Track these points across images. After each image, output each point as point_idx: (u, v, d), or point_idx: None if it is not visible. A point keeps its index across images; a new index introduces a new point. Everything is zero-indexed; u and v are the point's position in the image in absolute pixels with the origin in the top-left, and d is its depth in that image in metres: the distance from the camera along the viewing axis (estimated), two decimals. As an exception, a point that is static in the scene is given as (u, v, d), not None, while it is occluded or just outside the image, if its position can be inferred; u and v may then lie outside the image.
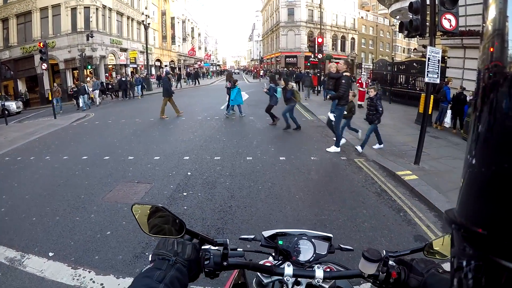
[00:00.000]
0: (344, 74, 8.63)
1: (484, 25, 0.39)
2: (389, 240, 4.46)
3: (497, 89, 0.36)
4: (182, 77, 39.04)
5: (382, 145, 8.99)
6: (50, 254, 4.19)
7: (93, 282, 3.60)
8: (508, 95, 0.35)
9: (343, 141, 9.18)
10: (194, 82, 40.54)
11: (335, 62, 9.63)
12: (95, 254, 4.15)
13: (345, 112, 9.18)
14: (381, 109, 8.44)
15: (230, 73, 17.67)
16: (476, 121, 0.39)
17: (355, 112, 10.30)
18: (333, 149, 8.81)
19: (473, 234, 0.37)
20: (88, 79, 23.80)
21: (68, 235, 4.64)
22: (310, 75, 25.29)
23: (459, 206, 0.40)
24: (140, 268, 3.69)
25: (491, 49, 0.37)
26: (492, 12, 0.37)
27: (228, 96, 14.58)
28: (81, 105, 20.49)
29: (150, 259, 1.00)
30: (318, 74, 25.80)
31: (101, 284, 3.55)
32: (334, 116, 8.71)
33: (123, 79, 25.79)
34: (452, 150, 9.13)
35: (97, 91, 22.62)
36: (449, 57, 15.25)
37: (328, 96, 9.95)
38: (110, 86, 26.87)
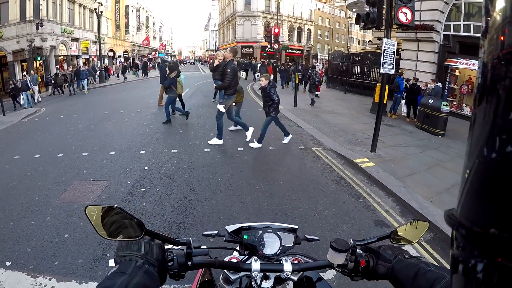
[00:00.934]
0: (230, 62, 8.41)
1: (489, 19, 0.38)
2: (351, 226, 4.61)
3: (510, 77, 0.34)
4: (127, 68, 35.83)
5: (289, 136, 8.68)
6: (8, 263, 3.94)
7: (55, 289, 3.45)
8: None
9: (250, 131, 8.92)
10: (144, 74, 36.32)
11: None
12: (54, 260, 3.96)
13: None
14: (276, 98, 8.00)
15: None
16: (479, 117, 0.38)
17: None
18: (215, 141, 8.59)
19: (474, 234, 0.36)
20: (25, 73, 20.79)
21: (24, 241, 4.40)
22: (266, 65, 25.52)
23: (460, 206, 0.40)
24: (102, 271, 3.63)
25: (502, 38, 0.36)
26: (500, 2, 0.36)
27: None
28: (22, 102, 18.14)
29: (113, 263, 0.96)
30: (274, 64, 26.04)
31: (63, 290, 3.42)
32: (224, 107, 8.52)
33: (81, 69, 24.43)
34: (406, 137, 9.54)
35: (36, 87, 20.14)
36: (403, 50, 15.84)
37: (214, 86, 9.81)
38: (52, 81, 24.01)
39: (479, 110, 0.38)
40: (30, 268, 3.83)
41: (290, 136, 8.71)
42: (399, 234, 1.22)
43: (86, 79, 24.28)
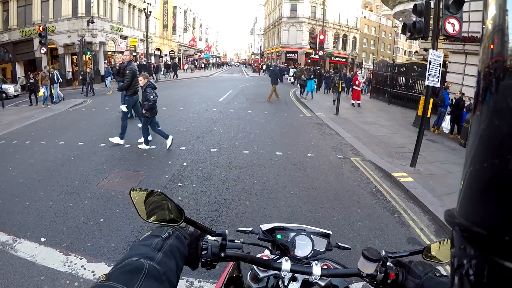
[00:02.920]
0: (129, 63, 8.35)
1: (483, 26, 0.39)
2: (383, 241, 4.47)
3: (497, 84, 0.36)
4: (160, 69, 32.57)
5: (170, 137, 8.16)
6: (42, 239, 4.16)
7: (84, 269, 3.58)
8: (508, 88, 0.35)
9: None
10: (173, 76, 34.82)
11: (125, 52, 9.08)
12: (87, 241, 4.12)
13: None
14: (152, 97, 7.90)
15: (302, 69, 21.43)
16: (476, 120, 0.39)
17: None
18: (116, 140, 8.38)
19: (474, 235, 0.36)
20: (44, 69, 17.67)
21: (61, 221, 4.61)
22: (299, 70, 25.84)
23: (460, 206, 0.40)
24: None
25: (491, 47, 0.37)
26: (492, 10, 0.37)
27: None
28: (44, 97, 15.94)
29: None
30: (318, 71, 25.91)
31: (92, 272, 3.54)
32: (126, 107, 8.45)
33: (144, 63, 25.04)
34: (448, 154, 9.16)
35: (57, 85, 17.20)
36: (449, 62, 15.24)
37: (117, 88, 9.66)
38: (81, 77, 21.56)
39: (475, 116, 0.39)
40: (63, 246, 4.01)
41: (171, 137, 8.22)
42: (431, 251, 1.18)
43: (110, 77, 21.61)
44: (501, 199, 0.34)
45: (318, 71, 26.15)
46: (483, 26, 0.39)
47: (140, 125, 9.24)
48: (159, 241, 0.86)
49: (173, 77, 34.30)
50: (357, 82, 17.68)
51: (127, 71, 8.23)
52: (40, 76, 16.45)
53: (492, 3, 0.38)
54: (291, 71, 33.09)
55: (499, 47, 0.36)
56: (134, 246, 0.85)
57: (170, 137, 8.14)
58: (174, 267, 0.83)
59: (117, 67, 9.54)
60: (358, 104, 17.54)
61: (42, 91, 15.82)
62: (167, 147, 8.08)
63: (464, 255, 0.38)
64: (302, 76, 21.45)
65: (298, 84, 23.18)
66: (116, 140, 8.38)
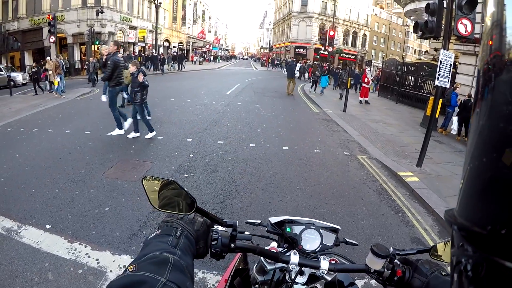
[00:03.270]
0: (112, 54, 8.29)
1: (483, 25, 0.39)
2: (386, 240, 4.46)
3: (496, 79, 0.35)
4: (165, 61, 31.23)
5: (154, 133, 8.37)
6: (47, 226, 4.19)
7: (89, 257, 3.60)
8: (507, 83, 0.34)
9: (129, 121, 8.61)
10: (179, 67, 34.13)
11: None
12: (92, 229, 4.15)
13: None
14: (146, 83, 7.99)
15: (316, 65, 23.25)
16: (476, 117, 0.38)
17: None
18: (116, 132, 8.41)
19: (474, 234, 0.36)
20: (48, 58, 17.98)
21: (66, 209, 4.64)
22: (305, 65, 26.13)
23: (459, 206, 0.40)
24: (136, 246, 3.74)
25: (490, 42, 0.36)
26: (490, 7, 0.37)
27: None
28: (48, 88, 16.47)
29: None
30: (327, 67, 25.93)
31: (97, 260, 3.56)
32: (106, 98, 8.39)
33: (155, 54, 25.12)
34: (455, 156, 9.09)
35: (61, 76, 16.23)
36: (460, 63, 15.08)
37: (101, 78, 9.69)
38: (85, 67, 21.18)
39: (474, 114, 0.39)
40: (68, 234, 4.04)
41: (154, 132, 8.39)
42: (438, 250, 1.17)
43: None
44: (501, 196, 0.33)
45: (328, 67, 26.12)
46: (483, 25, 0.39)
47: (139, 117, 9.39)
48: (173, 238, 0.89)
49: (179, 69, 33.98)
50: (366, 79, 17.59)
51: (109, 62, 8.20)
52: (54, 66, 16.19)
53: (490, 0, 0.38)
54: (298, 66, 33.15)
55: (497, 42, 0.36)
56: (152, 243, 0.87)
57: (154, 132, 8.39)
58: (191, 263, 0.87)
59: (103, 59, 9.55)
60: (366, 101, 17.47)
61: (57, 80, 15.72)
62: (148, 137, 8.21)
63: (463, 254, 0.38)
64: (316, 72, 21.65)
65: (311, 80, 23.26)
66: (116, 132, 8.41)
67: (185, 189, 0.98)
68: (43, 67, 17.36)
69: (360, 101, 17.68)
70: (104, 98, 8.77)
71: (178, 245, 0.87)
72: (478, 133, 0.37)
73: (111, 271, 3.40)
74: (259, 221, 1.44)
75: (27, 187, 5.29)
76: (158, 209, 0.99)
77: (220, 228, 1.12)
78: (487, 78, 0.37)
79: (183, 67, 34.56)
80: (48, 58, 18.16)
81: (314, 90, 20.93)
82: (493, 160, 0.35)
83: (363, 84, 17.77)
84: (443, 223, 5.06)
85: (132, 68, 8.06)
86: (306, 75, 29.29)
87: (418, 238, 4.64)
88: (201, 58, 52.21)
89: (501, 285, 0.33)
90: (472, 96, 11.62)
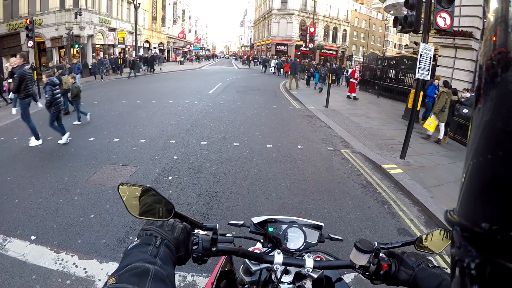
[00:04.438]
0: (19, 67, 8.23)
1: (484, 20, 0.39)
2: (373, 232, 4.52)
3: (501, 75, 0.35)
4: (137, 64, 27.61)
5: (67, 134, 8.12)
6: (33, 237, 4.09)
7: (76, 266, 3.54)
8: None
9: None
10: (150, 70, 31.76)
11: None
12: (78, 238, 4.08)
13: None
14: (47, 96, 7.76)
15: (309, 62, 25.22)
16: (478, 113, 0.38)
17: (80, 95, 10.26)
18: (33, 142, 8.05)
19: (474, 235, 0.36)
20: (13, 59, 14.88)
21: (51, 218, 4.55)
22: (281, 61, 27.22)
23: (460, 206, 0.40)
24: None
25: (494, 38, 0.36)
26: (493, 3, 0.37)
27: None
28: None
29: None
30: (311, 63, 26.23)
31: (84, 269, 3.50)
32: (17, 110, 8.41)
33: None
34: (437, 147, 9.27)
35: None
36: (439, 56, 15.34)
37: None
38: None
39: (476, 110, 0.39)
40: (54, 244, 3.95)
41: (68, 134, 8.19)
42: (424, 241, 1.19)
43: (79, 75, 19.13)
44: (503, 198, 0.33)
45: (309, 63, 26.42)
46: (484, 20, 0.39)
47: (75, 122, 9.91)
48: (153, 248, 0.89)
49: (150, 71, 31.66)
50: (355, 76, 17.90)
51: (15, 75, 8.11)
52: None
53: None
54: (273, 62, 34.59)
55: (502, 38, 0.36)
56: (132, 253, 0.86)
57: (67, 134, 8.17)
58: (172, 272, 0.86)
59: (11, 71, 9.60)
60: (355, 97, 17.67)
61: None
62: (61, 142, 7.99)
63: (464, 255, 0.38)
64: (311, 68, 23.17)
65: (306, 76, 24.31)
66: (34, 142, 8.05)
67: (162, 195, 0.98)
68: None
69: (348, 96, 17.92)
70: (14, 110, 8.92)
71: (158, 254, 0.87)
72: (481, 129, 0.37)
73: (99, 279, 3.35)
74: (241, 222, 1.43)
75: (10, 198, 5.15)
76: (136, 216, 0.99)
77: (201, 232, 1.12)
78: (491, 74, 0.37)
79: (153, 70, 32.21)
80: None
81: (307, 85, 21.96)
82: (498, 157, 0.35)
83: (351, 80, 18.04)
84: (428, 213, 5.16)
85: (44, 78, 7.98)
86: (282, 70, 30.23)
87: (404, 229, 4.71)
88: (182, 58, 51.70)
89: (503, 286, 0.33)
90: (441, 85, 11.77)
